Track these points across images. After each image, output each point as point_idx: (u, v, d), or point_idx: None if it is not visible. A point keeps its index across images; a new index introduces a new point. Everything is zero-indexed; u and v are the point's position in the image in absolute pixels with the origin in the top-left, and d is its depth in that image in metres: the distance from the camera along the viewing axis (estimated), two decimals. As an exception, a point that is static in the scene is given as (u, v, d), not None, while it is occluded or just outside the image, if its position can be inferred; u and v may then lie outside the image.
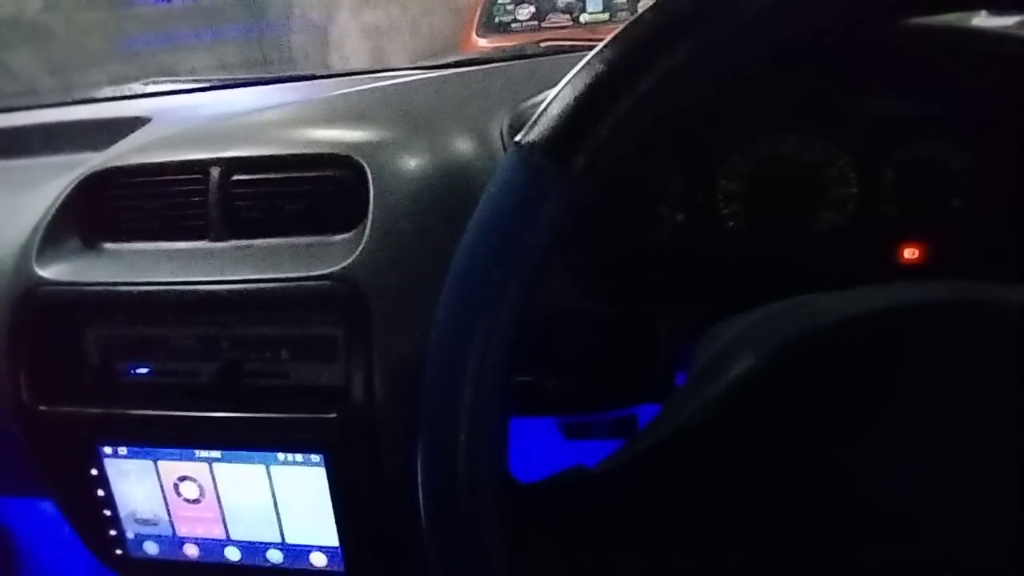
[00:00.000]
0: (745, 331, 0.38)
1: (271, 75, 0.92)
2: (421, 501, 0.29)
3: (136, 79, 1.02)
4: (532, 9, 4.19)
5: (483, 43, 4.16)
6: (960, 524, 0.32)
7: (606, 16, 4.12)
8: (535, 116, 0.28)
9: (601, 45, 0.28)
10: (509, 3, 4.16)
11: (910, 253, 0.49)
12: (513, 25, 4.21)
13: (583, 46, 0.83)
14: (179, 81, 0.97)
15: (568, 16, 4.16)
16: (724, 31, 0.27)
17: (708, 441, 0.32)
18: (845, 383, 0.32)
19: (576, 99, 0.27)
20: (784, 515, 0.32)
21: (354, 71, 0.92)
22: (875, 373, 0.33)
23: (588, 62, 0.28)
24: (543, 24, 4.16)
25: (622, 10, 4.09)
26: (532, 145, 0.28)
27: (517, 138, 0.28)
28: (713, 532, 0.32)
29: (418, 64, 0.84)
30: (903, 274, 0.49)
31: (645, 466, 0.33)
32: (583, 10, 4.15)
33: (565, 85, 0.28)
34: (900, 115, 0.48)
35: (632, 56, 0.27)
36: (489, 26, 4.22)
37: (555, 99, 0.28)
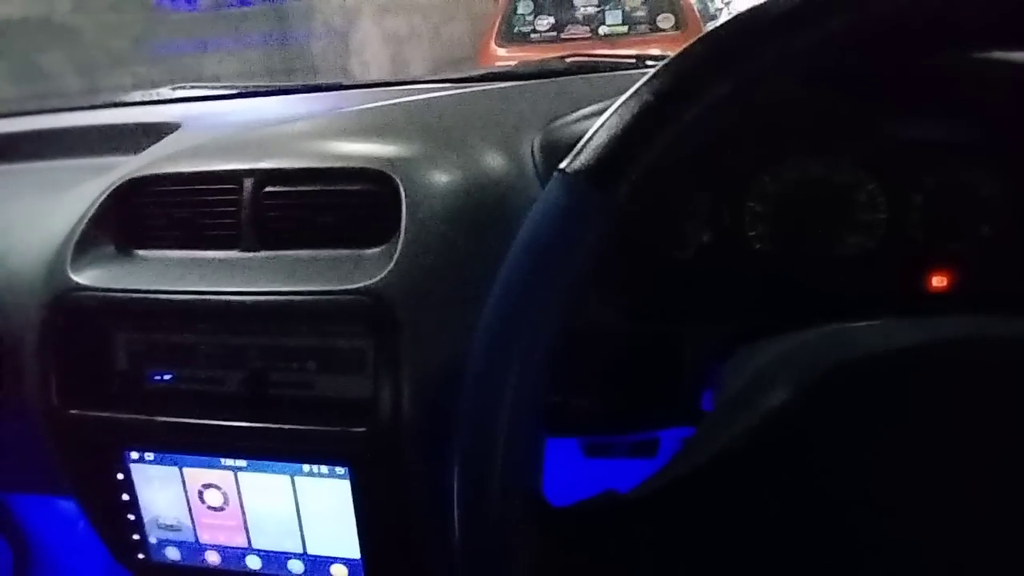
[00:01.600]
0: (781, 359, 0.37)
1: (298, 84, 0.93)
2: (456, 521, 0.29)
3: (161, 82, 1.03)
4: (551, 20, 4.22)
5: (502, 52, 4.20)
6: (1002, 563, 0.31)
7: (625, 28, 4.15)
8: (581, 144, 0.28)
9: (649, 75, 0.28)
10: (529, 14, 4.20)
11: (938, 280, 0.49)
12: (532, 36, 4.25)
13: (608, 64, 0.84)
14: (207, 87, 0.98)
15: (587, 28, 4.19)
16: (770, 64, 0.27)
17: (744, 471, 0.32)
18: (882, 417, 0.32)
19: (623, 129, 0.27)
20: (820, 545, 0.32)
21: (381, 82, 0.93)
22: (913, 408, 0.32)
23: (636, 91, 0.28)
24: (562, 35, 4.19)
25: (640, 23, 4.12)
26: (577, 172, 0.28)
27: (562, 165, 0.29)
28: (746, 561, 0.32)
29: (443, 76, 0.85)
30: (930, 301, 0.49)
31: (680, 493, 0.32)
32: (602, 22, 4.18)
33: (612, 114, 0.28)
34: (930, 140, 0.48)
35: (681, 88, 0.27)
36: (508, 36, 4.26)
37: (602, 127, 0.28)
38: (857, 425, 0.33)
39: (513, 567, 0.29)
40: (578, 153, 0.28)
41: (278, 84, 0.99)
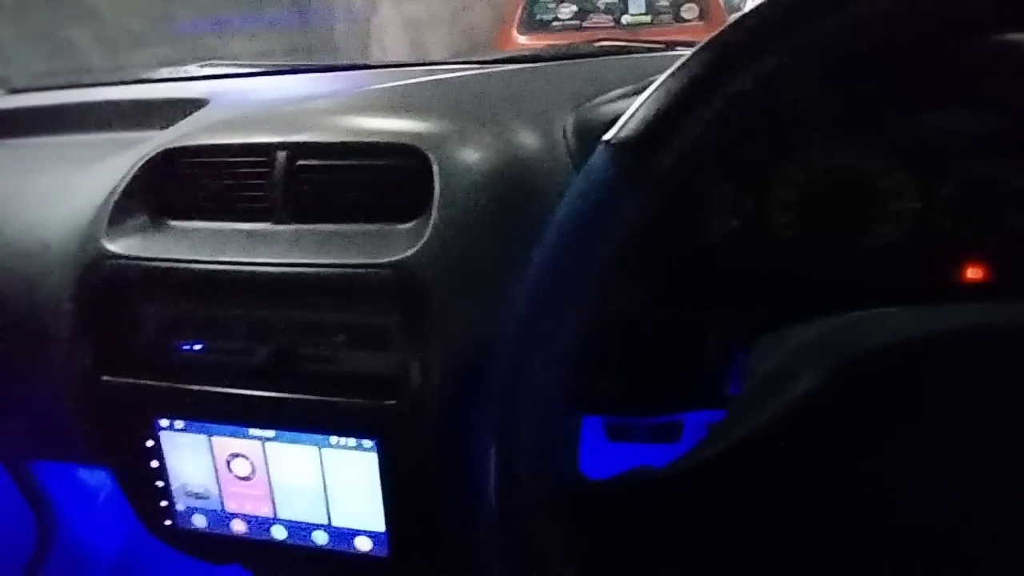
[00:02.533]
0: (813, 342, 0.37)
1: (323, 64, 0.93)
2: (486, 494, 0.29)
3: (183, 61, 1.03)
4: (574, 8, 4.20)
5: (523, 40, 4.18)
6: None
7: (648, 18, 4.12)
8: (626, 115, 0.28)
9: (697, 48, 0.28)
10: (551, 1, 4.17)
11: (973, 272, 0.48)
12: (554, 24, 4.23)
13: (637, 48, 0.83)
14: (233, 65, 0.98)
15: (610, 16, 4.16)
16: (819, 40, 0.27)
17: (775, 452, 0.32)
18: (913, 402, 0.32)
19: (670, 100, 0.27)
20: (850, 527, 0.32)
21: (405, 63, 0.93)
22: (945, 394, 0.32)
23: (684, 64, 0.28)
24: (584, 24, 4.17)
25: (664, 12, 4.08)
26: (623, 143, 0.28)
27: (606, 137, 0.29)
28: (776, 540, 0.32)
29: (468, 59, 0.85)
30: (958, 292, 0.48)
31: (712, 472, 0.33)
32: (624, 11, 4.15)
33: (659, 86, 0.28)
34: (962, 129, 0.47)
35: (727, 60, 0.27)
36: (531, 23, 4.24)
37: (649, 99, 0.28)
38: (888, 409, 0.33)
39: (547, 539, 0.29)
40: (624, 125, 0.28)
41: (303, 63, 1.00)
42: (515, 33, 4.13)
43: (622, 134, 0.28)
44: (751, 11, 0.28)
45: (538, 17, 4.16)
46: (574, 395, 0.30)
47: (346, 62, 0.91)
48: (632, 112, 0.28)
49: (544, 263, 0.29)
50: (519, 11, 4.19)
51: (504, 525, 0.29)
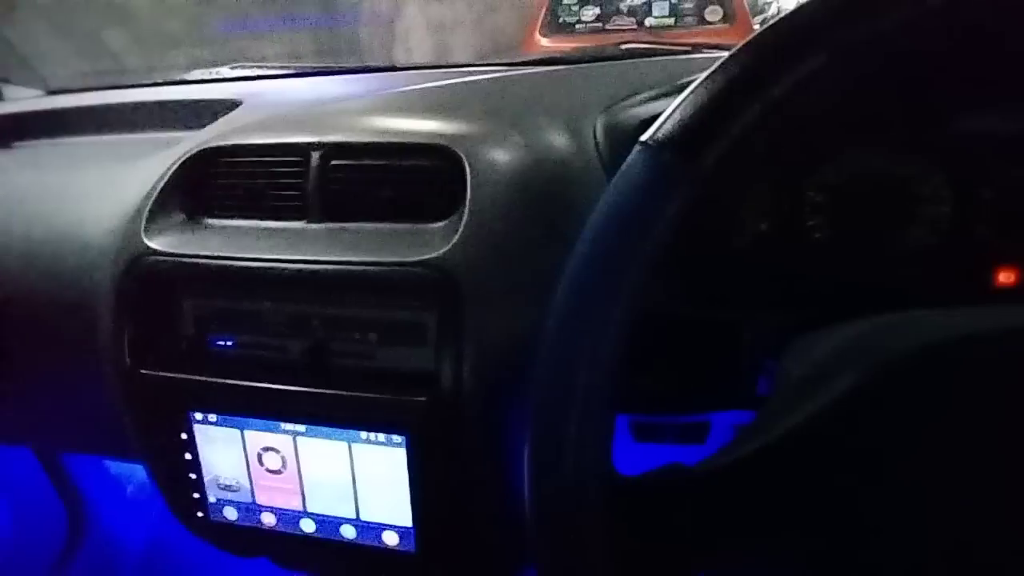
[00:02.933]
0: (850, 343, 0.37)
1: (353, 66, 0.94)
2: (527, 491, 0.30)
3: (214, 62, 1.05)
4: (597, 11, 4.19)
5: (546, 43, 4.18)
6: None
7: (671, 20, 4.10)
8: (664, 116, 0.29)
9: (738, 48, 0.28)
10: (574, 4, 4.17)
11: (1004, 277, 0.48)
12: (578, 26, 4.22)
13: (663, 50, 0.83)
14: (264, 67, 1.00)
15: (633, 19, 4.14)
16: (861, 40, 0.27)
17: (810, 451, 0.32)
18: (954, 404, 0.32)
19: (709, 99, 0.28)
20: (883, 528, 0.32)
21: (433, 64, 0.94)
22: (984, 394, 0.32)
23: (723, 64, 0.28)
24: (607, 26, 4.16)
25: (688, 15, 4.06)
26: (661, 143, 0.28)
27: (643, 138, 0.29)
28: (810, 539, 0.32)
29: (495, 61, 0.85)
30: (994, 297, 0.48)
31: (747, 470, 0.33)
32: (648, 13, 4.14)
33: (698, 86, 0.28)
34: (1000, 133, 0.47)
35: (768, 61, 0.27)
36: (553, 26, 4.24)
37: (686, 99, 0.28)
38: (925, 411, 0.33)
39: (585, 538, 0.30)
40: (661, 125, 0.28)
41: (333, 65, 1.01)
42: (538, 36, 4.13)
43: (659, 135, 0.28)
44: (790, 13, 0.28)
45: (561, 20, 4.16)
46: (612, 393, 0.31)
47: (374, 64, 0.92)
48: (670, 113, 0.28)
49: (581, 264, 0.29)
50: (542, 14, 4.19)
51: (541, 522, 0.30)
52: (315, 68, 0.98)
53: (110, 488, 1.03)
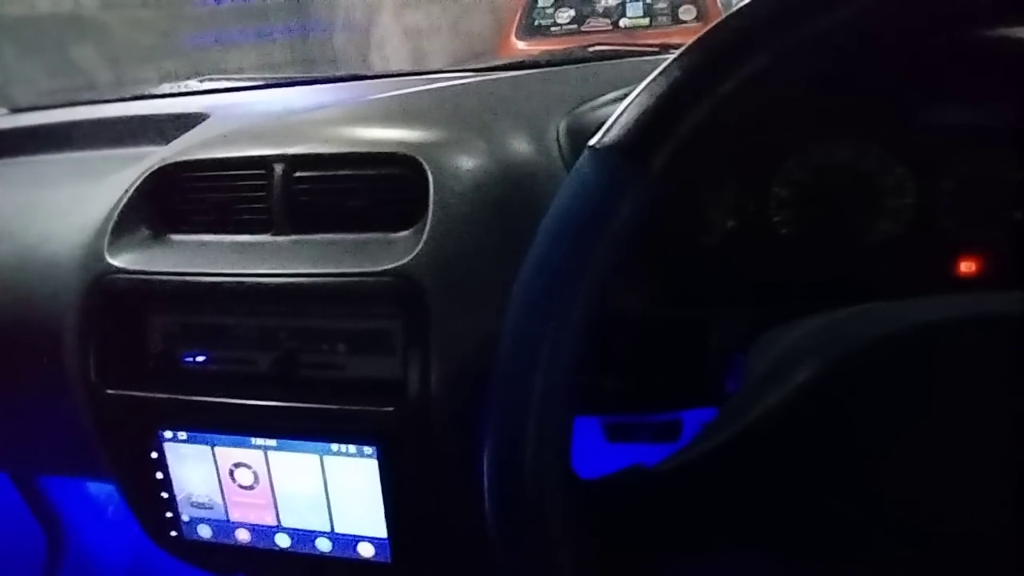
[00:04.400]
0: (809, 338, 0.38)
1: (323, 75, 0.94)
2: (487, 496, 0.30)
3: (187, 75, 1.05)
4: (572, 13, 4.21)
5: (522, 46, 4.19)
6: None
7: (646, 21, 4.12)
8: (611, 120, 0.29)
9: (682, 50, 0.28)
10: (549, 7, 4.19)
11: (967, 266, 0.48)
12: (553, 29, 4.24)
13: (632, 52, 0.83)
14: (234, 79, 0.99)
15: (608, 20, 4.16)
16: (804, 39, 0.27)
17: (771, 446, 0.33)
18: (913, 393, 0.32)
19: (656, 101, 0.28)
20: (845, 521, 0.32)
21: (404, 72, 0.94)
22: (943, 383, 0.32)
23: (668, 66, 0.28)
24: (583, 28, 4.18)
25: (662, 15, 4.09)
26: (609, 147, 0.28)
27: (592, 142, 0.29)
28: (772, 535, 0.33)
29: (465, 67, 0.86)
30: (959, 287, 0.48)
31: (707, 468, 0.33)
32: (623, 14, 4.16)
33: (643, 89, 0.28)
34: (961, 124, 0.48)
35: (713, 61, 0.28)
36: (529, 29, 4.25)
37: (633, 102, 0.28)
38: (886, 401, 0.33)
39: (545, 541, 0.30)
40: (608, 129, 0.28)
41: (303, 75, 1.00)
42: (514, 39, 4.15)
43: (607, 139, 0.28)
44: (735, 12, 0.29)
45: (537, 23, 4.17)
46: (569, 396, 0.31)
47: (345, 73, 0.92)
48: (616, 116, 0.29)
49: (533, 269, 0.29)
50: (518, 17, 4.20)
51: (501, 527, 0.30)
52: (285, 79, 0.98)
53: (89, 509, 1.02)
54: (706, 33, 0.29)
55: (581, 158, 0.29)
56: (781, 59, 0.27)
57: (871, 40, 0.29)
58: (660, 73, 0.28)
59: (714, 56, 0.28)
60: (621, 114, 0.28)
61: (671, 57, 0.29)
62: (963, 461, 0.32)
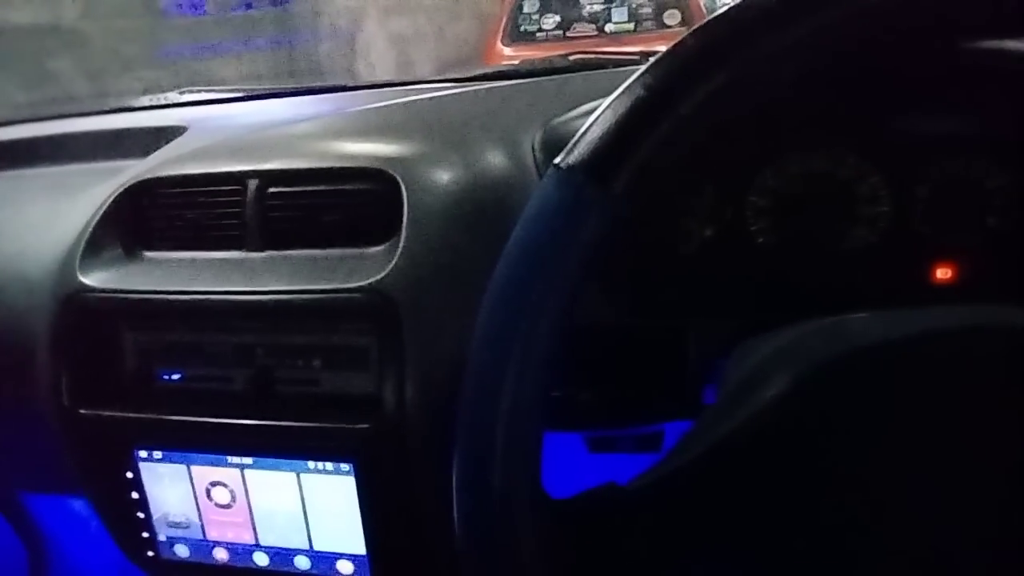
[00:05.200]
0: (780, 350, 0.38)
1: (303, 86, 0.94)
2: (455, 514, 0.30)
3: (169, 87, 1.04)
4: (557, 18, 4.22)
5: (508, 52, 4.20)
6: (1001, 550, 0.31)
7: (631, 26, 4.13)
8: (575, 139, 0.29)
9: (643, 69, 0.29)
10: (535, 12, 4.20)
11: (943, 272, 0.49)
12: (538, 34, 4.24)
13: (612, 60, 0.84)
14: (214, 91, 0.99)
15: (593, 26, 4.17)
16: (764, 56, 0.27)
17: (743, 461, 0.33)
18: (882, 406, 0.32)
19: (618, 121, 0.28)
20: (819, 535, 0.32)
21: (385, 83, 0.93)
22: (913, 397, 0.33)
23: (630, 85, 0.28)
24: (568, 33, 4.19)
25: (647, 19, 4.10)
26: (572, 167, 0.28)
27: (556, 160, 0.29)
28: (748, 550, 0.33)
29: (447, 76, 0.86)
30: (935, 293, 0.49)
31: (679, 484, 0.33)
32: (608, 20, 4.17)
33: (606, 108, 0.28)
34: (935, 132, 0.48)
35: (674, 80, 0.28)
36: (515, 35, 4.26)
37: (596, 122, 0.28)
38: (855, 414, 0.33)
39: (515, 560, 0.30)
40: (572, 148, 0.28)
41: (284, 87, 1.00)
42: (500, 46, 4.15)
43: (570, 159, 0.28)
44: (693, 31, 0.29)
45: (522, 29, 4.18)
46: (551, 411, 0.30)
47: (326, 84, 0.92)
48: (580, 135, 0.29)
49: (498, 289, 0.29)
50: (503, 23, 4.21)
51: (469, 549, 0.29)
52: (266, 91, 0.97)
53: (71, 523, 1.01)
54: (669, 50, 0.29)
55: (545, 177, 0.29)
56: (740, 76, 0.27)
57: (831, 56, 0.29)
58: (624, 90, 0.28)
59: (675, 74, 0.28)
60: (585, 132, 0.28)
61: (635, 74, 0.29)
62: (933, 474, 0.32)
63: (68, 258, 0.52)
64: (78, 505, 1.01)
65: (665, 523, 0.32)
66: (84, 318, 0.50)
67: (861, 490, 0.33)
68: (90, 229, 0.52)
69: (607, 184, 0.28)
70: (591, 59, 0.85)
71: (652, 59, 0.29)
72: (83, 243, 0.52)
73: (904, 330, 0.34)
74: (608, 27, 4.06)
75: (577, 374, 0.50)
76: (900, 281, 0.49)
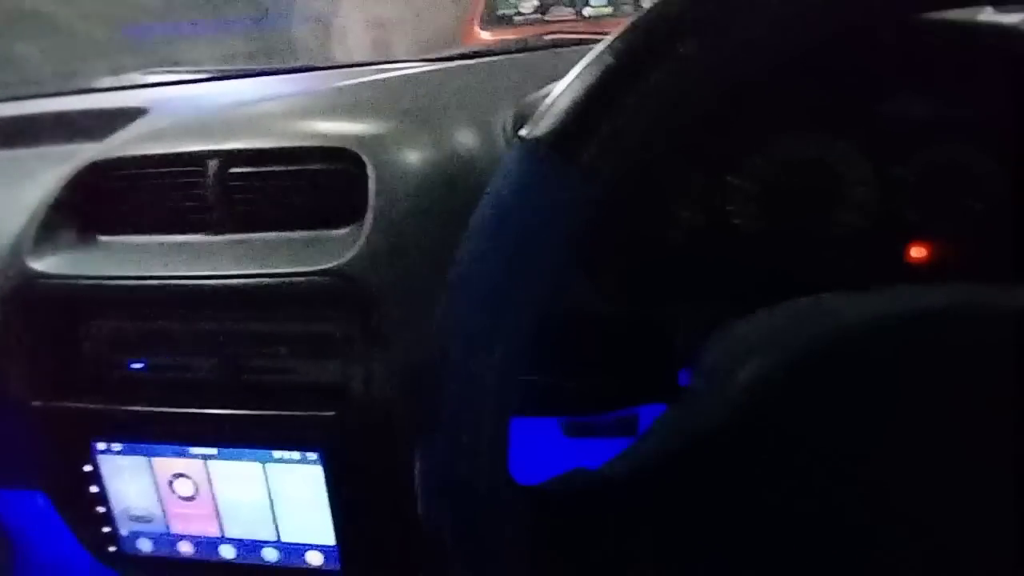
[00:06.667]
0: (755, 333, 0.37)
1: (271, 67, 0.91)
2: (419, 500, 0.28)
3: (138, 69, 1.01)
4: (535, 2, 4.17)
5: (485, 35, 4.14)
6: (980, 535, 0.31)
7: (610, 9, 4.10)
8: (540, 110, 0.27)
9: (611, 37, 0.27)
10: (512, -5, 4.16)
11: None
12: (516, 18, 4.19)
13: (588, 39, 0.82)
14: (178, 71, 0.96)
15: (572, 9, 4.13)
16: (739, 24, 0.26)
17: (718, 445, 0.32)
18: (860, 388, 0.32)
19: (584, 91, 0.26)
20: (796, 521, 0.32)
21: (356, 63, 0.91)
22: (893, 378, 0.32)
23: (597, 55, 0.27)
24: (546, 17, 4.15)
25: (626, 3, 4.08)
26: (538, 139, 0.27)
27: (521, 132, 0.27)
28: (721, 538, 0.32)
29: (421, 57, 0.83)
30: (921, 277, 0.48)
31: (652, 470, 0.32)
32: (586, 3, 4.13)
33: (573, 79, 0.27)
34: (921, 117, 0.47)
35: (643, 47, 0.26)
36: (492, 18, 4.20)
37: (562, 93, 0.27)
38: (835, 396, 0.32)
39: (483, 548, 0.28)
40: (538, 119, 0.27)
41: (252, 67, 0.97)
42: (477, 29, 4.10)
43: (536, 130, 0.27)
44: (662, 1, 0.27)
45: (500, 12, 4.13)
46: (527, 396, 0.29)
47: (297, 64, 0.89)
48: (546, 107, 0.27)
49: (456, 267, 0.28)
50: (480, 6, 4.16)
51: (434, 535, 0.28)
52: (234, 71, 0.95)
53: (38, 520, 0.99)
54: (640, 16, 0.28)
55: (510, 149, 0.28)
56: (713, 46, 0.26)
57: (807, 31, 0.28)
58: (592, 59, 0.27)
59: (644, 40, 0.26)
60: (552, 103, 0.27)
61: (604, 42, 0.28)
62: (912, 459, 0.32)
63: (18, 244, 0.50)
64: (42, 500, 0.99)
65: (638, 508, 0.32)
66: (37, 307, 0.48)
67: (843, 475, 0.32)
68: (42, 213, 0.50)
69: (573, 155, 0.26)
70: (568, 38, 0.84)
71: (622, 27, 0.27)
72: (35, 228, 0.50)
73: (888, 309, 0.33)
74: (586, 10, 4.01)
75: (558, 359, 0.49)
76: (887, 266, 0.48)
